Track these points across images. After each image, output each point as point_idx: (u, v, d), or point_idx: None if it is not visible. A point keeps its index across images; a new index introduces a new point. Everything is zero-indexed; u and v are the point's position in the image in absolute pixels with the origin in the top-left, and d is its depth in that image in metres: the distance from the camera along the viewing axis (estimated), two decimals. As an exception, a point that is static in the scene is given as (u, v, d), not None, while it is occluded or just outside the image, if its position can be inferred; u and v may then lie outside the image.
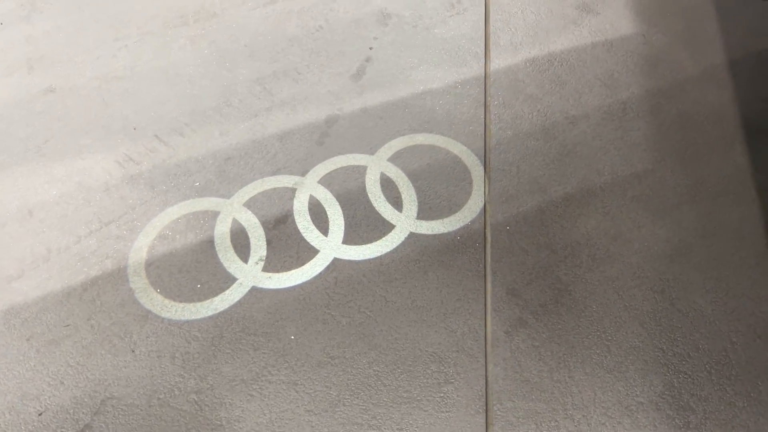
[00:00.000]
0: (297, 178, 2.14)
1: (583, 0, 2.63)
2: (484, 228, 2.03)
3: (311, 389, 1.74)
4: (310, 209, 2.08)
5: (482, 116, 2.28)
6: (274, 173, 2.16)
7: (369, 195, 2.11)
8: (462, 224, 2.05)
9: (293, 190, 2.12)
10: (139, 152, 2.20)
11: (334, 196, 2.11)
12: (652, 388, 1.74)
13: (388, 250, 2.00)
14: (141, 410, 1.70)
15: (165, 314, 1.88)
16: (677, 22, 2.56)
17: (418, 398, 1.72)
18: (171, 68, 2.42)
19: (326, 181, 2.14)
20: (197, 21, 2.56)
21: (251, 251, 1.99)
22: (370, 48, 2.48)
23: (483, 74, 2.39)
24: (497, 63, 2.42)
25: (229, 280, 1.93)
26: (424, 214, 2.07)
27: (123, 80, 2.38)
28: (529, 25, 2.55)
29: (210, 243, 2.00)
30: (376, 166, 2.18)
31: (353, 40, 2.50)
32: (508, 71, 2.40)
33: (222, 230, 2.03)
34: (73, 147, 2.21)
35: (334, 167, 2.18)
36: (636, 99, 2.33)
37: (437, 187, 2.13)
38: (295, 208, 2.08)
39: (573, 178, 2.14)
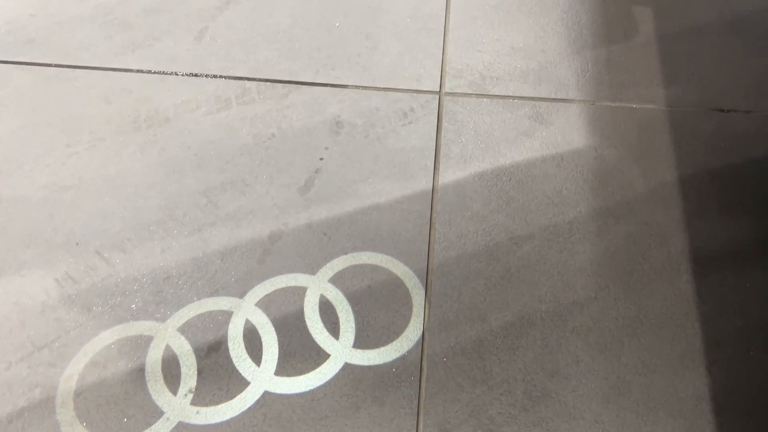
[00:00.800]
0: (235, 300, 2.12)
1: (537, 110, 2.63)
2: (421, 360, 2.00)
3: None
4: (245, 335, 2.05)
5: (427, 235, 2.27)
6: (212, 294, 2.13)
7: (306, 320, 2.09)
8: (399, 354, 2.02)
9: (230, 314, 2.10)
10: (79, 270, 2.18)
11: (271, 321, 2.08)
12: None
13: (321, 383, 1.96)
14: None
15: (88, 451, 1.85)
16: (630, 135, 2.55)
17: None
18: (119, 177, 2.42)
19: (264, 304, 2.12)
20: (150, 126, 2.57)
21: (181, 382, 1.96)
22: (321, 158, 2.48)
23: (431, 189, 2.38)
24: (446, 177, 2.42)
25: (156, 413, 1.90)
26: (361, 342, 2.04)
27: (71, 190, 2.38)
28: (481, 136, 2.54)
29: (141, 371, 1.97)
30: (317, 287, 2.16)
31: (304, 150, 2.50)
32: (456, 186, 2.39)
33: (154, 358, 2.00)
34: (13, 263, 2.20)
35: (273, 288, 2.16)
36: (583, 219, 2.31)
37: (376, 312, 2.10)
38: (229, 334, 2.05)
39: (514, 305, 2.11)
